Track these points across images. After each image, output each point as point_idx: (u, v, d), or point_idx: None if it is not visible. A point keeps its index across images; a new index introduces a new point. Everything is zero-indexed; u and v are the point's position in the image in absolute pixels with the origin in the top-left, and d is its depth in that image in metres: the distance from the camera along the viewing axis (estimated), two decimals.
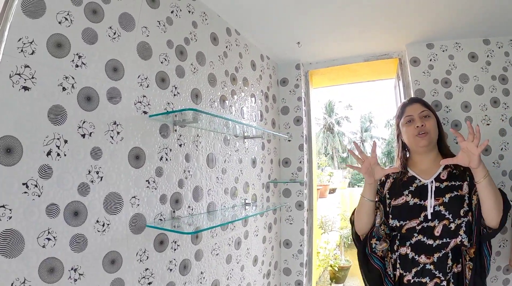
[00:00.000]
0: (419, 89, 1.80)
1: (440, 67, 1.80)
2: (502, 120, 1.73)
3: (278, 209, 1.98)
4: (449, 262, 1.10)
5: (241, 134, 1.52)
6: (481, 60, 1.77)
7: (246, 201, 1.53)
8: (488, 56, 1.77)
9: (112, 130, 0.89)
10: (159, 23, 1.11)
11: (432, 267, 1.11)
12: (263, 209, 1.60)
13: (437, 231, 1.11)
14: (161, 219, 1.02)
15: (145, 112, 0.99)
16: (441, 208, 1.13)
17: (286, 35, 1.74)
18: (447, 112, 1.76)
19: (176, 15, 1.20)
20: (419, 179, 1.21)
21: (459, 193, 1.14)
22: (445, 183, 1.17)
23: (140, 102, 0.98)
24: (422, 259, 1.12)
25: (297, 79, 2.08)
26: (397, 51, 1.98)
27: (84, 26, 0.86)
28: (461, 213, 1.11)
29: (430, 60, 1.82)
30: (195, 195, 1.19)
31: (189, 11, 1.27)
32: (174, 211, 1.07)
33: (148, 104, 1.01)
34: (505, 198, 1.06)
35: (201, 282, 1.22)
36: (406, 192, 1.20)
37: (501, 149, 1.71)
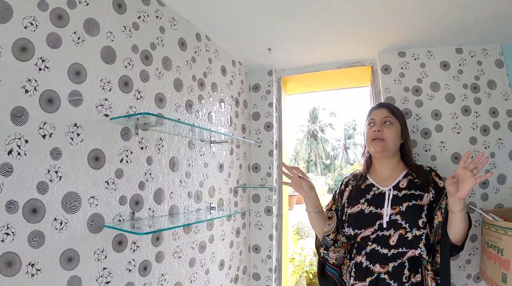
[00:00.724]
0: (390, 97, 1.94)
1: (411, 75, 1.94)
2: (473, 129, 1.85)
3: (247, 214, 2.09)
4: (406, 272, 1.12)
5: (208, 138, 1.63)
6: (453, 69, 1.91)
7: (212, 205, 1.64)
8: (460, 64, 1.91)
9: (72, 132, 0.99)
10: (125, 28, 1.22)
11: (386, 276, 1.13)
12: (229, 213, 1.71)
13: (393, 241, 1.15)
14: (120, 220, 1.12)
15: (106, 115, 1.09)
16: (398, 217, 1.16)
17: (257, 41, 1.86)
18: (417, 120, 1.89)
19: (143, 20, 1.31)
20: (377, 187, 1.26)
21: (417, 203, 1.17)
22: (403, 192, 1.21)
23: (101, 105, 1.08)
24: (377, 268, 1.15)
25: (269, 85, 2.21)
26: (369, 59, 2.13)
27: (49, 31, 0.96)
28: (420, 224, 1.14)
29: (402, 68, 1.96)
30: (156, 198, 1.29)
31: (157, 17, 1.39)
32: (133, 213, 1.16)
33: (110, 107, 1.11)
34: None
35: (162, 284, 1.31)
36: (362, 200, 1.25)
37: (472, 157, 1.76)
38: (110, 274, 1.09)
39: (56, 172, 0.94)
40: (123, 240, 1.13)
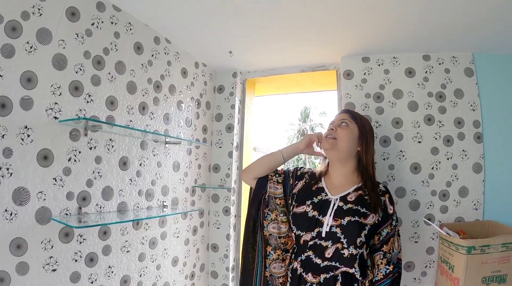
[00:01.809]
0: (350, 103, 2.07)
1: (374, 81, 2.06)
2: (436, 138, 1.95)
3: (206, 213, 2.33)
4: (339, 285, 1.21)
5: (163, 139, 1.86)
6: (418, 76, 2.01)
7: (164, 203, 1.87)
8: (426, 72, 2.00)
9: (23, 133, 1.21)
10: (77, 35, 1.43)
11: None
12: (182, 211, 1.95)
13: (328, 253, 1.23)
14: (67, 214, 1.35)
15: (56, 118, 1.31)
16: (338, 230, 1.23)
17: (220, 44, 2.06)
18: (377, 127, 2.00)
19: (97, 27, 1.52)
20: (326, 193, 1.34)
21: (360, 220, 1.24)
22: (349, 205, 1.28)
23: (51, 108, 1.30)
24: (309, 277, 1.24)
25: (233, 87, 2.44)
26: (334, 64, 2.27)
27: (3, 42, 1.17)
28: (357, 242, 1.21)
29: (364, 74, 2.08)
30: (104, 194, 1.52)
31: (112, 22, 1.60)
32: (80, 208, 1.39)
33: (60, 111, 1.33)
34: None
35: (109, 276, 1.54)
36: (308, 202, 1.34)
37: (432, 168, 1.94)
38: (56, 262, 1.31)
39: (8, 169, 1.16)
40: (70, 232, 1.36)
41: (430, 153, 1.95)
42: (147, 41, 1.81)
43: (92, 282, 1.45)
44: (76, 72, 1.41)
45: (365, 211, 1.26)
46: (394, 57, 2.06)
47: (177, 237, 2.02)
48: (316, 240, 1.25)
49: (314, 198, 1.34)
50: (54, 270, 1.31)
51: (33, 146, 1.24)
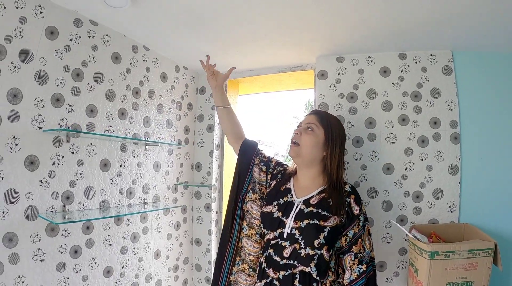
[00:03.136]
0: (323, 103, 2.17)
1: (348, 81, 2.14)
2: (410, 139, 2.01)
3: (189, 209, 2.62)
4: (297, 283, 1.31)
5: (143, 141, 2.13)
6: (393, 75, 2.07)
7: (145, 201, 2.15)
8: (402, 71, 2.06)
9: (11, 143, 1.48)
10: (57, 52, 1.69)
11: (277, 283, 1.34)
12: (159, 208, 2.23)
13: (287, 252, 1.34)
14: (52, 211, 1.63)
15: (40, 127, 1.58)
16: (296, 232, 1.34)
17: (198, 48, 2.27)
18: (350, 127, 2.09)
19: (75, 42, 1.78)
20: (291, 194, 1.44)
21: (319, 223, 1.33)
22: (310, 208, 1.37)
23: (35, 120, 1.57)
24: (271, 272, 1.36)
25: None
26: (310, 64, 2.40)
27: None
28: (315, 244, 1.31)
29: (339, 74, 2.17)
30: (86, 194, 1.80)
31: (89, 36, 1.86)
32: (64, 206, 1.67)
33: (43, 121, 1.60)
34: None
35: (92, 266, 1.83)
36: (275, 203, 1.45)
37: (405, 169, 2.00)
38: (44, 254, 1.60)
39: None
40: (55, 227, 1.64)
41: (403, 153, 2.02)
42: (125, 50, 2.07)
43: (76, 272, 1.74)
44: (57, 85, 1.68)
45: (326, 214, 1.35)
46: (369, 57, 2.13)
47: (159, 232, 2.30)
48: (278, 240, 1.38)
49: (281, 199, 1.45)
50: (42, 260, 1.59)
51: (20, 153, 1.52)
